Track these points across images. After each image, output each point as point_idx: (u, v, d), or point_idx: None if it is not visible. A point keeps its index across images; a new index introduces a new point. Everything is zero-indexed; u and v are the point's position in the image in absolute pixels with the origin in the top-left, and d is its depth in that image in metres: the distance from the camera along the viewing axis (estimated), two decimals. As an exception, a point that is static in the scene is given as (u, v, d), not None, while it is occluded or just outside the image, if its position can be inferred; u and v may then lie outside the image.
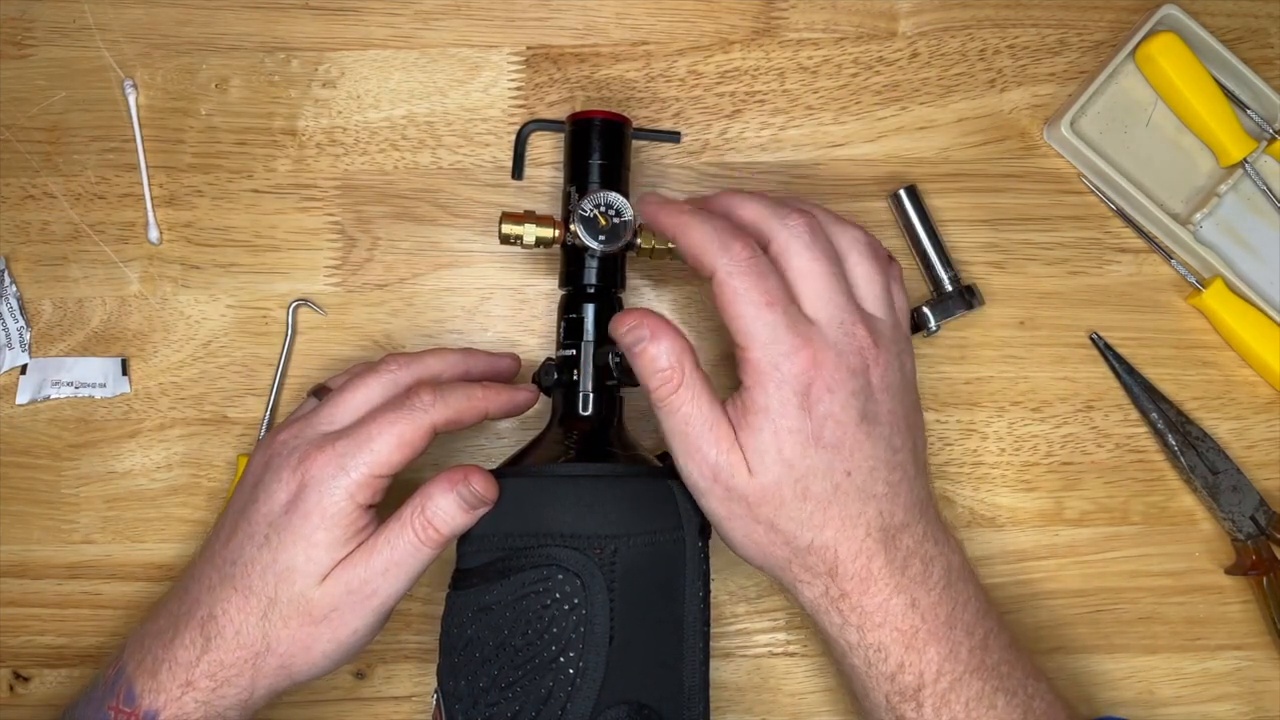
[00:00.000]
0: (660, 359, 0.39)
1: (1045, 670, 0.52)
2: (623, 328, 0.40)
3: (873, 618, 0.40)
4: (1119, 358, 0.53)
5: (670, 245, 0.48)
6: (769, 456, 0.39)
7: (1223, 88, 0.53)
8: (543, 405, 0.47)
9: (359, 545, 0.41)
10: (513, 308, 0.54)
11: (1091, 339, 0.54)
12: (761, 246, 0.41)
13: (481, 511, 0.41)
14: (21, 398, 0.53)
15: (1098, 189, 0.54)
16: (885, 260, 0.44)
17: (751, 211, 0.42)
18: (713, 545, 0.43)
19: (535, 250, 0.48)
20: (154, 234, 0.53)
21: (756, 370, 0.39)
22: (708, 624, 0.42)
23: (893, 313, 0.43)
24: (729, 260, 0.39)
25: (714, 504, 0.40)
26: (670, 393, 0.39)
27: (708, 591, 0.42)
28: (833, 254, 0.41)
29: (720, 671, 0.52)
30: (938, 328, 0.52)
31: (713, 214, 0.42)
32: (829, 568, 0.40)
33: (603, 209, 0.46)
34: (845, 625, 0.40)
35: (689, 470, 0.40)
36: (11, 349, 0.53)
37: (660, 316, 0.40)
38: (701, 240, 0.40)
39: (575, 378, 0.46)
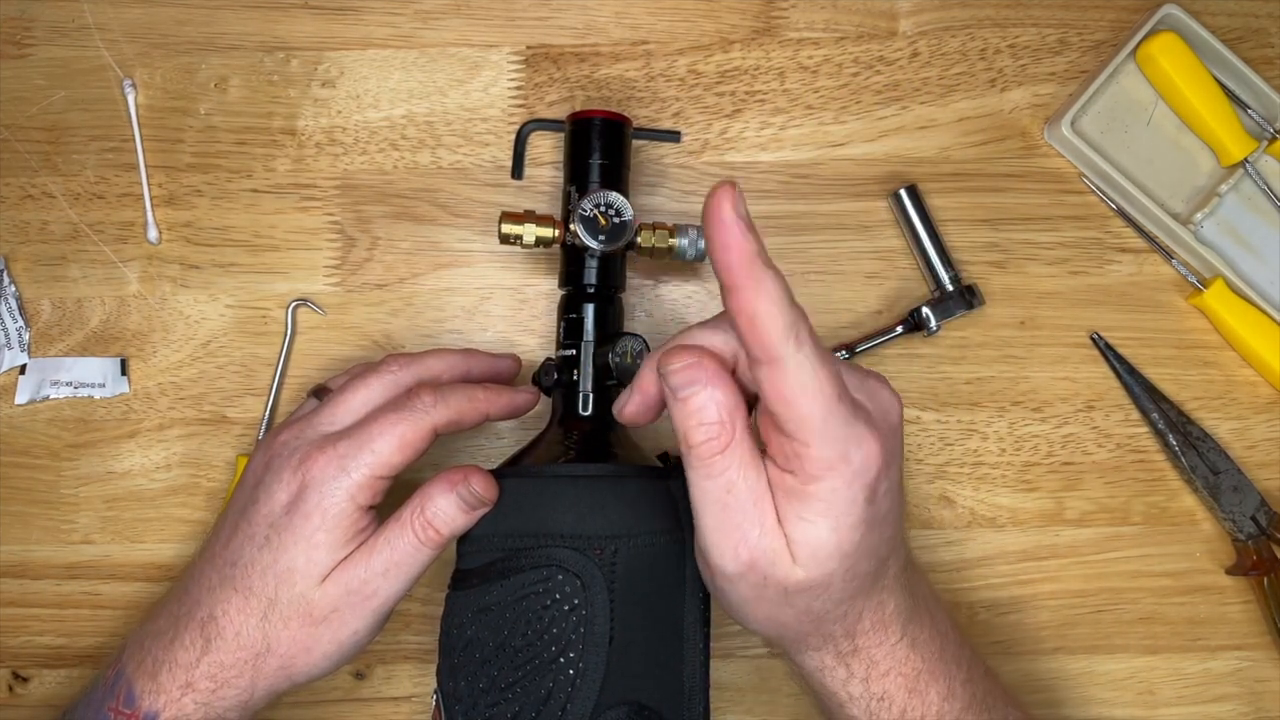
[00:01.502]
0: (709, 410, 0.33)
1: (1041, 674, 0.52)
2: (673, 364, 0.34)
3: (879, 666, 0.38)
4: (1120, 358, 0.53)
5: (671, 244, 0.48)
6: (824, 551, 0.34)
7: (1223, 87, 0.53)
8: (543, 405, 0.47)
9: (359, 546, 0.41)
10: (512, 308, 0.54)
11: (1092, 339, 0.54)
12: None
13: (481, 512, 0.41)
14: (20, 398, 0.53)
15: (1098, 189, 0.54)
16: None
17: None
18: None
19: (535, 250, 0.48)
20: (153, 234, 0.53)
21: (823, 463, 0.33)
22: (708, 624, 0.42)
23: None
24: (800, 349, 0.32)
25: (741, 589, 0.36)
26: (715, 452, 0.34)
27: (708, 592, 0.42)
28: None
29: (720, 671, 0.52)
30: (938, 328, 0.52)
31: (777, 274, 0.32)
32: (848, 630, 0.38)
33: (603, 209, 0.46)
34: (850, 679, 0.39)
35: (720, 549, 0.35)
36: (10, 349, 0.53)
37: (716, 361, 0.34)
38: (769, 323, 0.31)
39: (575, 378, 0.46)
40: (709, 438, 0.34)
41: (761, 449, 0.35)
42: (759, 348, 0.32)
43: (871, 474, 0.34)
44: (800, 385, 0.32)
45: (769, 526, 0.34)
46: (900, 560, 0.38)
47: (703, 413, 0.34)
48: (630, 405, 0.39)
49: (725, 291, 0.32)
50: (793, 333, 0.31)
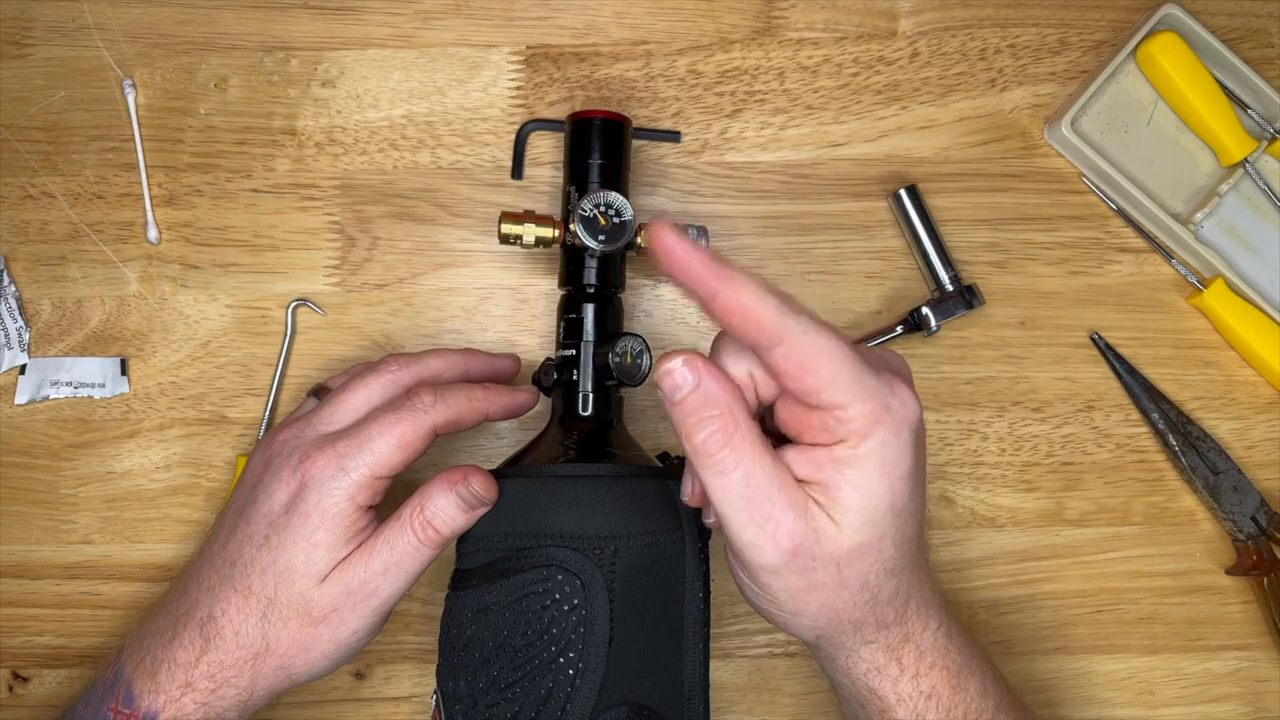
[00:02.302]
0: (705, 405, 0.33)
1: (1041, 674, 0.53)
2: (658, 371, 0.33)
3: (926, 657, 0.38)
4: (1119, 358, 0.53)
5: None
6: (878, 512, 0.34)
7: (1223, 87, 0.53)
8: (543, 405, 0.47)
9: (359, 546, 0.41)
10: (512, 308, 0.54)
11: (1092, 339, 0.54)
12: None
13: (481, 512, 0.41)
14: (20, 398, 0.53)
15: (1098, 189, 0.54)
16: None
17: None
18: (712, 545, 0.42)
19: (535, 250, 0.48)
20: (153, 234, 0.53)
21: (869, 418, 0.33)
22: (708, 624, 0.42)
23: None
24: (799, 319, 0.32)
25: (790, 579, 0.35)
26: (721, 445, 0.33)
27: (708, 591, 0.42)
28: None
29: (720, 671, 0.52)
30: (938, 328, 0.52)
31: (747, 272, 0.33)
32: (899, 612, 0.37)
33: (603, 209, 0.46)
34: (901, 676, 0.38)
35: (758, 545, 0.34)
36: (10, 349, 0.53)
37: (705, 358, 0.34)
38: (760, 306, 0.31)
39: (575, 378, 0.46)
40: (711, 431, 0.33)
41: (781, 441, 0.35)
42: (761, 333, 0.32)
43: (915, 417, 0.34)
44: (817, 347, 0.32)
45: (800, 508, 0.33)
46: (924, 532, 0.38)
47: (700, 409, 0.33)
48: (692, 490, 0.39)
49: (706, 303, 0.32)
50: (787, 306, 0.32)
